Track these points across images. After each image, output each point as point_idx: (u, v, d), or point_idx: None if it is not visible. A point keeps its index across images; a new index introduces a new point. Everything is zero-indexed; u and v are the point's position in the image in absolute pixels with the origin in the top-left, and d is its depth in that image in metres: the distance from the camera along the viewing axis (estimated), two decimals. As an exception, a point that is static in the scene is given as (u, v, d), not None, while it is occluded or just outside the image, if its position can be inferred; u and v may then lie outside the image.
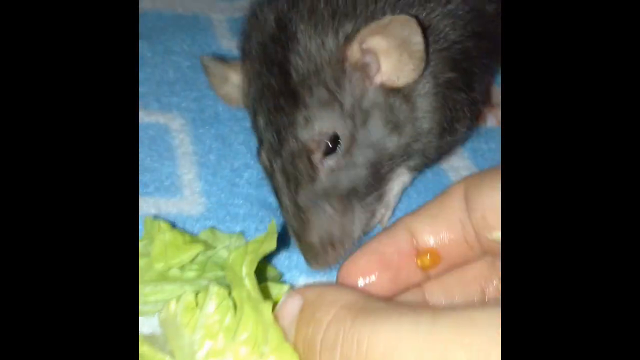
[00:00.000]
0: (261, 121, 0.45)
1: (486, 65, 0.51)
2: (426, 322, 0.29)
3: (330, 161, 0.43)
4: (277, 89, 0.44)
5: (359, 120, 0.44)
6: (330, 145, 0.43)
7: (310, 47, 0.44)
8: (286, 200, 0.44)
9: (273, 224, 0.40)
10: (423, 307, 0.31)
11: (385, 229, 0.41)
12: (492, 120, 0.65)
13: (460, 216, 0.37)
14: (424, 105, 0.46)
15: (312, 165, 0.43)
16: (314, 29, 0.44)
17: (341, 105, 0.43)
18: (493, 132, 0.63)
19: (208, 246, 0.44)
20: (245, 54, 0.49)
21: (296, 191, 0.43)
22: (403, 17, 0.42)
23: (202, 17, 0.70)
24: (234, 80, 0.51)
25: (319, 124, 0.43)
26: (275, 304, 0.37)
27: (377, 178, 0.45)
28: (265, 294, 0.43)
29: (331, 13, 0.44)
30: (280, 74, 0.44)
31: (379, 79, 0.44)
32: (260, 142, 0.47)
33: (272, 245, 0.38)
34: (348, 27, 0.44)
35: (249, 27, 0.50)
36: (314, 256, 0.44)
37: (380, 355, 0.30)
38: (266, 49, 0.46)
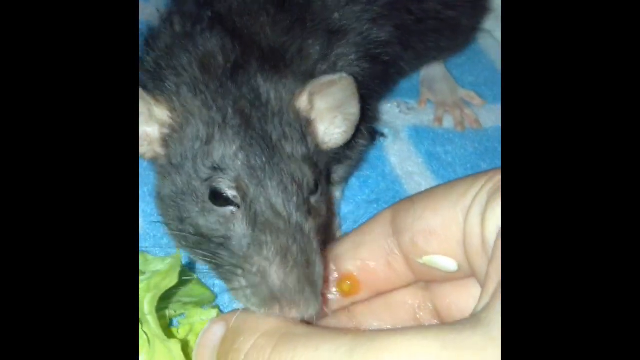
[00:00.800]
0: (233, 147, 0.40)
1: (379, 85, 0.53)
2: (344, 350, 0.28)
3: (314, 201, 0.41)
4: (260, 126, 0.41)
5: (318, 160, 0.43)
6: (314, 183, 0.41)
7: (272, 96, 0.42)
8: (282, 224, 0.38)
9: (177, 256, 0.37)
10: (345, 333, 0.30)
11: None
12: (450, 121, 0.62)
13: (385, 242, 0.37)
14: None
15: (305, 197, 0.40)
16: (275, 85, 0.43)
17: (307, 146, 0.42)
18: (449, 133, 0.60)
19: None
20: (179, 91, 0.43)
21: (299, 214, 0.38)
22: (348, 79, 0.42)
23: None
24: (156, 114, 0.42)
25: (301, 153, 0.41)
26: (185, 339, 0.36)
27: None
28: (188, 320, 0.41)
29: (282, 74, 0.43)
30: (258, 108, 0.41)
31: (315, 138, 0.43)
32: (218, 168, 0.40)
33: (173, 279, 0.36)
34: (294, 82, 0.43)
35: (171, 58, 0.45)
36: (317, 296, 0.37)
37: None
38: (224, 84, 0.42)
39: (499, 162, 0.58)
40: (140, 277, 0.42)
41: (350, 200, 0.55)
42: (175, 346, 0.34)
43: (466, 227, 0.35)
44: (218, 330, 0.34)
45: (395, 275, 0.37)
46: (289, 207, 0.38)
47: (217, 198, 0.39)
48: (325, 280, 0.37)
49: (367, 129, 0.50)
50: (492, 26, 0.71)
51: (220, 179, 0.38)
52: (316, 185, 0.40)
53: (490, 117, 0.62)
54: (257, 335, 0.32)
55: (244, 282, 0.37)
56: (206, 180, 0.39)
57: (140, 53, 0.48)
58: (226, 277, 0.38)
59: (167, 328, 0.38)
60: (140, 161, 0.52)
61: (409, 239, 0.36)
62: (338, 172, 0.52)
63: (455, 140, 0.60)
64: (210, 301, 0.45)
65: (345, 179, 0.54)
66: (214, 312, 0.41)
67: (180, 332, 0.39)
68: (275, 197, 0.38)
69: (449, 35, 0.59)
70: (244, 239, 0.38)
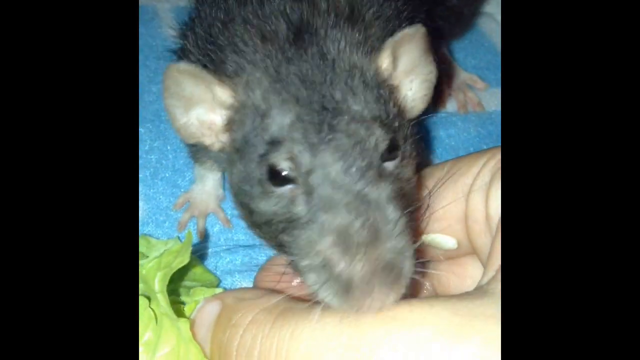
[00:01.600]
0: (290, 116, 0.35)
1: None
2: (350, 322, 0.28)
3: (390, 166, 0.35)
4: (320, 82, 0.36)
5: (397, 120, 0.37)
6: (387, 146, 0.35)
7: (347, 50, 0.38)
8: (342, 196, 0.32)
9: (189, 235, 0.37)
10: None
11: None
12: (453, 104, 0.62)
13: None
14: None
15: (376, 161, 0.34)
16: (338, 35, 0.38)
17: (385, 105, 0.37)
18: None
19: (141, 255, 0.42)
20: (237, 67, 0.38)
21: (362, 181, 0.33)
22: (422, 29, 0.38)
23: (146, 7, 0.66)
24: (220, 97, 0.38)
25: (369, 109, 0.36)
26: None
27: None
28: (193, 299, 0.41)
29: (352, 17, 0.40)
30: (324, 69, 0.36)
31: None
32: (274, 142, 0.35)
33: (185, 258, 0.36)
34: (378, 38, 0.40)
35: (230, 34, 0.40)
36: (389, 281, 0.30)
37: (301, 359, 0.28)
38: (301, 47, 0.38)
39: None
40: (143, 261, 0.42)
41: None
42: (184, 325, 0.34)
43: (468, 204, 0.36)
44: (213, 309, 0.34)
45: None
46: (350, 174, 0.33)
47: (275, 177, 0.34)
48: (416, 251, 0.32)
49: None
50: (494, 10, 0.70)
51: (276, 153, 0.34)
52: (393, 148, 0.35)
53: (493, 100, 0.62)
54: (256, 311, 0.31)
55: (313, 278, 0.32)
56: (263, 157, 0.35)
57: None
58: (296, 262, 0.33)
59: (179, 307, 0.38)
60: (141, 145, 0.52)
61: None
62: None
63: (458, 123, 0.60)
64: (214, 285, 0.45)
65: None
66: (218, 291, 0.40)
67: (186, 310, 0.38)
68: (331, 165, 0.33)
69: (453, 22, 0.59)
70: (304, 221, 0.33)
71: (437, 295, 0.39)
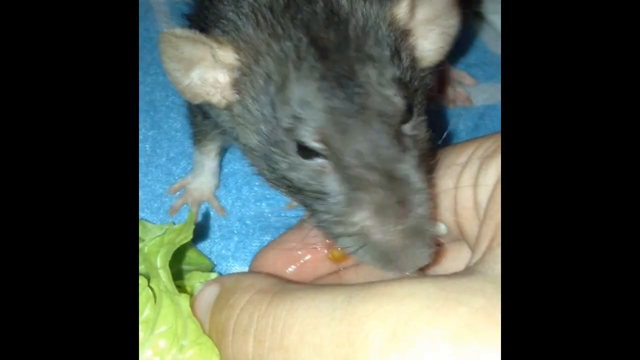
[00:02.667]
0: (311, 89, 0.34)
1: None
2: (342, 299, 0.28)
3: (408, 129, 0.36)
4: (335, 48, 0.35)
5: (414, 83, 0.37)
6: (405, 109, 0.35)
7: (360, 2, 0.37)
8: (374, 176, 0.34)
9: (192, 214, 0.38)
10: (340, 287, 0.30)
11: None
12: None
13: None
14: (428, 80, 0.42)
15: (398, 131, 0.35)
16: None
17: (401, 61, 0.36)
18: (442, 112, 0.62)
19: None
20: (238, 26, 0.37)
21: (390, 161, 0.34)
22: None
23: None
24: (221, 58, 0.37)
25: (390, 79, 0.35)
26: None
27: None
28: (189, 283, 0.41)
29: None
30: (335, 30, 0.35)
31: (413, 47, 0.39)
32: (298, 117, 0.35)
33: (189, 235, 0.37)
34: None
35: None
36: (425, 250, 0.34)
37: (296, 336, 0.29)
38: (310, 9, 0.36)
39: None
40: (140, 244, 0.43)
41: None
42: (184, 301, 0.34)
43: (458, 192, 0.36)
44: (212, 291, 0.34)
45: None
46: (380, 152, 0.34)
47: (304, 150, 0.35)
48: (434, 213, 0.35)
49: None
50: (483, 8, 0.72)
51: (303, 130, 0.34)
52: (410, 110, 0.35)
53: (482, 95, 0.64)
54: (253, 291, 0.32)
55: (349, 243, 0.35)
56: (289, 130, 0.35)
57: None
58: (328, 227, 0.35)
59: (181, 284, 0.39)
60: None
61: None
62: None
63: (447, 117, 0.61)
64: (209, 269, 0.46)
65: None
66: (213, 276, 0.41)
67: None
68: (362, 143, 0.34)
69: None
70: (339, 195, 0.34)
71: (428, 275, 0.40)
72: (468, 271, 0.29)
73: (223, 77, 0.38)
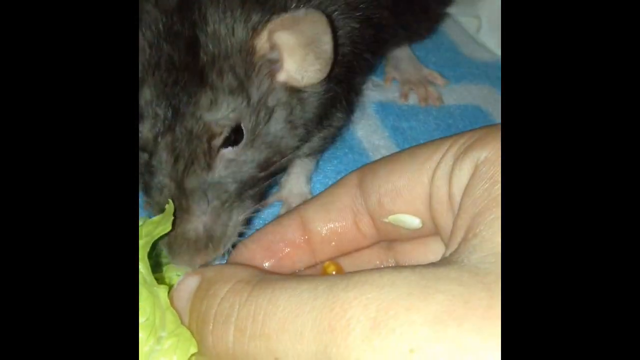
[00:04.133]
0: (148, 92, 0.40)
1: (367, 59, 0.51)
2: (324, 288, 0.29)
3: (230, 153, 0.41)
4: (180, 64, 0.40)
5: (263, 116, 0.41)
6: (233, 137, 0.40)
7: (220, 31, 0.40)
8: (166, 180, 0.40)
9: (171, 205, 0.38)
10: (321, 277, 0.31)
11: (279, 217, 0.41)
12: (415, 98, 0.64)
13: (352, 204, 0.38)
14: (313, 102, 0.44)
15: (210, 151, 0.40)
16: (223, 14, 0.40)
17: (248, 98, 0.40)
18: (414, 110, 0.63)
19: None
20: None
21: (185, 173, 0.40)
22: (316, 14, 0.39)
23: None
24: None
25: (225, 110, 0.40)
26: (171, 287, 0.36)
27: (267, 175, 0.43)
28: (167, 274, 0.42)
29: (240, 6, 0.41)
30: (187, 49, 0.40)
31: (282, 76, 0.42)
32: (140, 115, 0.41)
33: (167, 227, 0.37)
34: (256, 17, 0.40)
35: None
36: (184, 250, 0.40)
37: (277, 323, 0.29)
38: (169, 20, 0.41)
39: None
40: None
41: (319, 170, 0.56)
42: (162, 292, 0.34)
43: (432, 187, 0.37)
44: (193, 281, 0.35)
45: (361, 236, 0.39)
46: (176, 165, 0.39)
47: None
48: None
49: (348, 102, 0.50)
50: (454, 10, 0.74)
51: (141, 125, 0.40)
52: (237, 136, 0.40)
53: (452, 95, 0.65)
54: (234, 281, 0.32)
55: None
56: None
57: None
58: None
59: (160, 275, 0.39)
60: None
61: (375, 200, 0.37)
62: (313, 143, 0.51)
63: (419, 116, 0.62)
64: None
65: (320, 152, 0.55)
66: (189, 269, 0.41)
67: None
68: (165, 154, 0.39)
69: (419, 17, 0.61)
70: (146, 185, 0.41)
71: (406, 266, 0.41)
72: (444, 261, 0.30)
73: None
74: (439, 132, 0.61)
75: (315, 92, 0.44)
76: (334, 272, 0.38)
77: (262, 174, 0.42)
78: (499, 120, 0.63)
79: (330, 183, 0.55)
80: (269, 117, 0.41)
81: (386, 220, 0.37)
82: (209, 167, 0.40)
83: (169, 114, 0.39)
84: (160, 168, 0.40)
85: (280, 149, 0.43)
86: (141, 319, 0.35)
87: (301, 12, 0.39)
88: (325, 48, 0.40)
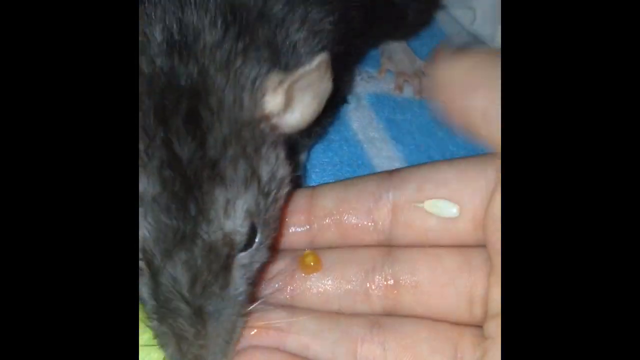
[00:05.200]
0: (149, 189, 0.32)
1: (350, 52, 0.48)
2: None
3: (244, 258, 0.34)
4: (188, 159, 0.32)
5: (272, 196, 0.35)
6: (247, 241, 0.33)
7: (226, 102, 0.33)
8: (182, 305, 0.33)
9: None
10: None
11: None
12: (409, 90, 0.64)
13: (376, 188, 0.37)
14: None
15: (227, 265, 0.33)
16: (227, 79, 0.33)
17: (259, 181, 0.33)
18: (409, 102, 0.63)
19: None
20: None
21: (204, 296, 0.33)
22: (324, 60, 0.33)
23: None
24: None
25: (241, 211, 0.32)
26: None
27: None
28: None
29: (243, 52, 0.34)
30: (193, 137, 0.32)
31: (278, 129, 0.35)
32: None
33: None
34: (266, 74, 0.34)
35: None
36: None
37: None
38: (171, 101, 0.32)
39: (454, 130, 0.60)
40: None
41: (314, 162, 0.57)
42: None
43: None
44: None
45: (369, 227, 0.37)
46: (195, 287, 0.32)
47: None
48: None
49: (333, 101, 0.47)
50: (447, 2, 0.74)
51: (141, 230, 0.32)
52: (251, 238, 0.34)
53: (447, 87, 0.65)
54: None
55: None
56: None
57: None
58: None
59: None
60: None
61: (414, 186, 0.36)
62: (302, 140, 0.49)
63: (414, 108, 0.62)
64: None
65: (310, 145, 0.55)
66: None
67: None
68: (180, 272, 0.32)
69: (394, 23, 0.61)
70: (148, 304, 0.34)
71: None
72: None
73: None
74: (434, 124, 0.61)
75: None
76: (312, 264, 0.37)
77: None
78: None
79: (326, 175, 0.55)
80: (278, 191, 0.35)
81: (420, 205, 0.35)
82: (227, 283, 0.33)
83: (182, 227, 0.32)
84: (175, 290, 0.33)
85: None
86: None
87: (315, 62, 0.33)
88: (325, 86, 0.35)
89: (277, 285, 0.37)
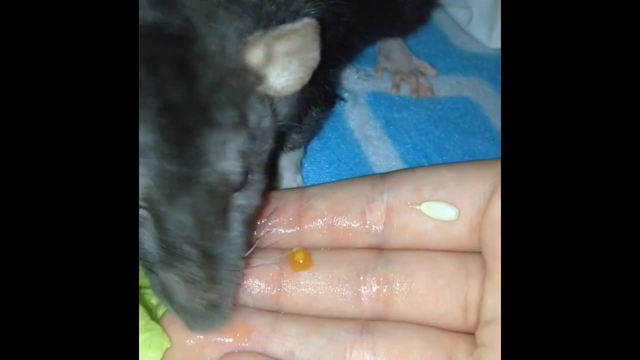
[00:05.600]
0: (149, 137, 0.33)
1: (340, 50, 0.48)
2: None
3: (240, 199, 0.35)
4: (182, 104, 0.33)
5: (259, 141, 0.36)
6: (242, 180, 0.34)
7: (211, 50, 0.34)
8: (191, 249, 0.33)
9: None
10: None
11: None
12: (406, 88, 0.65)
13: (370, 190, 0.37)
14: (288, 105, 0.41)
15: (225, 206, 0.34)
16: (214, 30, 0.34)
17: (246, 126, 0.34)
18: (406, 101, 0.63)
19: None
20: None
21: (210, 238, 0.33)
22: (312, 24, 0.34)
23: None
24: None
25: (233, 152, 0.33)
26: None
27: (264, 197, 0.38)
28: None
29: (227, 4, 0.35)
30: (183, 83, 0.33)
31: (262, 88, 0.37)
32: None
33: None
34: (250, 30, 0.35)
35: None
36: (215, 318, 0.35)
37: None
38: (160, 50, 0.33)
39: (451, 129, 0.61)
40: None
41: (311, 160, 0.57)
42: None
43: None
44: None
45: (360, 230, 0.37)
46: (201, 229, 0.33)
47: None
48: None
49: (326, 95, 0.48)
50: (444, 1, 0.74)
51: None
52: (245, 178, 0.35)
53: (444, 87, 0.66)
54: None
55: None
56: None
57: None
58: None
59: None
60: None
61: (411, 187, 0.35)
62: (294, 138, 0.50)
63: (410, 107, 0.63)
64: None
65: (306, 142, 0.55)
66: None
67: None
68: (185, 215, 0.33)
69: (391, 20, 0.60)
70: (153, 254, 0.34)
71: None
72: None
73: None
74: (430, 123, 0.62)
75: (291, 96, 0.40)
76: (301, 261, 0.36)
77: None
78: (488, 112, 0.64)
79: (323, 173, 0.56)
80: (264, 139, 0.37)
81: (417, 207, 0.35)
82: (227, 226, 0.34)
83: (182, 169, 0.32)
84: (182, 234, 0.33)
85: (262, 162, 0.38)
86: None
87: (298, 24, 0.34)
88: (312, 56, 0.36)
89: (269, 230, 0.38)
